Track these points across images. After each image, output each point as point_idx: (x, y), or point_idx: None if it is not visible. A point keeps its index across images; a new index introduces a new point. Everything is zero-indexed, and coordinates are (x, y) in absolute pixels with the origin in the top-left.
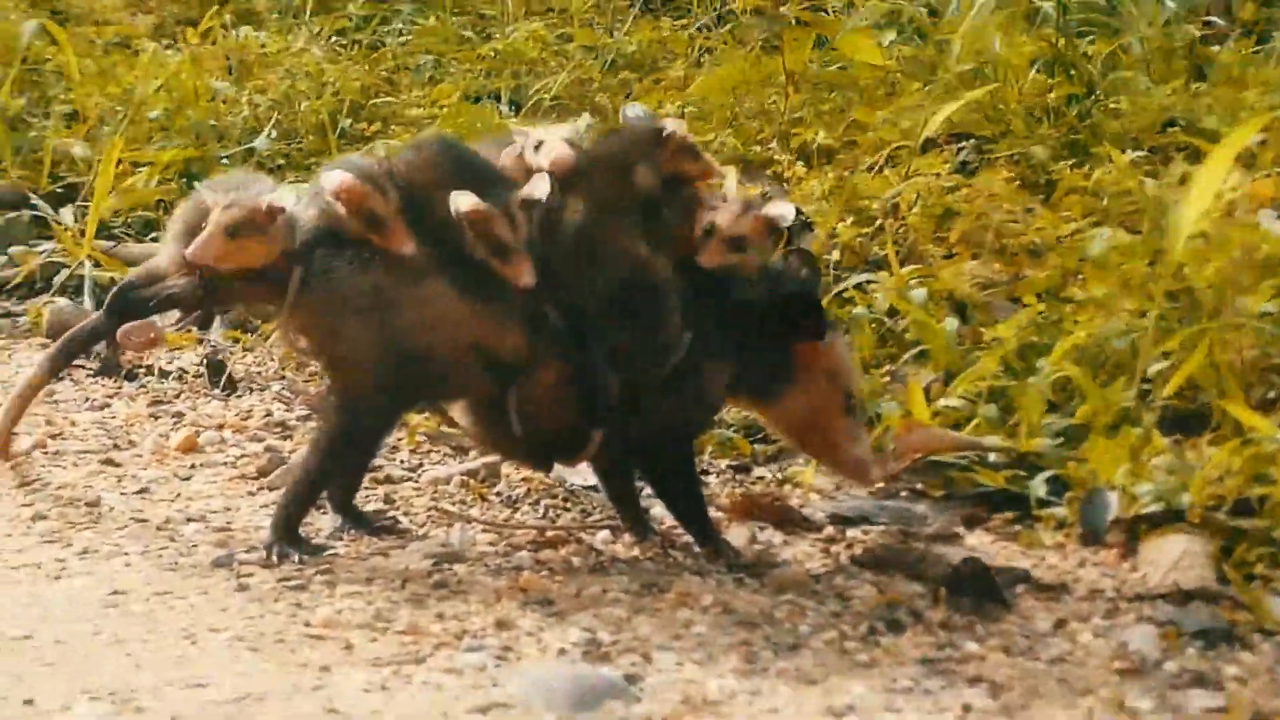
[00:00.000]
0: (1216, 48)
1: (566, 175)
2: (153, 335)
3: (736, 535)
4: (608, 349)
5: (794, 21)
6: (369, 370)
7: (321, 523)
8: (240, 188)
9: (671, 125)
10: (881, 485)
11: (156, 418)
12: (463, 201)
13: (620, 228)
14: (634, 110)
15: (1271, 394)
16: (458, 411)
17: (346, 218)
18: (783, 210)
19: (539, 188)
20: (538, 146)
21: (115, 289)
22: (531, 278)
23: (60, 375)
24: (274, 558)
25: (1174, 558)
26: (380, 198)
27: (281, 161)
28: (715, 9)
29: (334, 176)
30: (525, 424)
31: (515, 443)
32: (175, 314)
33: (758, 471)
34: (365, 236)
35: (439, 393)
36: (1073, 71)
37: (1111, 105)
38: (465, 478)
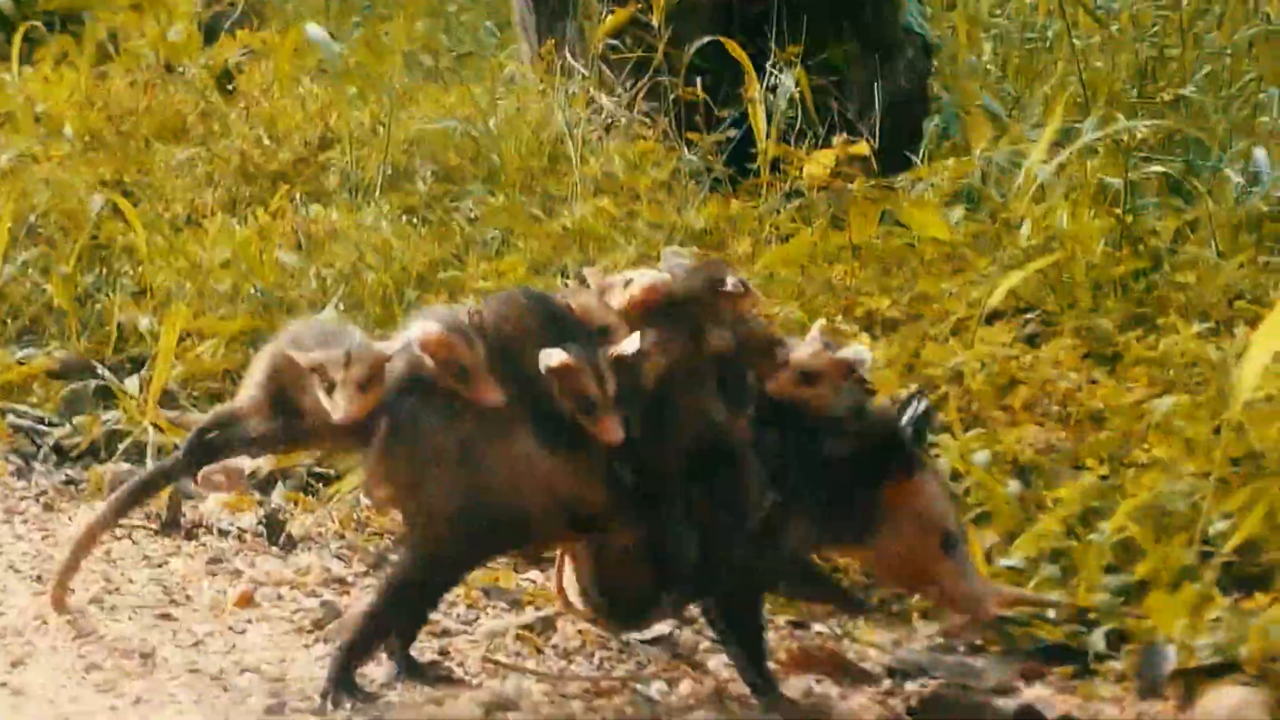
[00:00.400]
0: None
1: (653, 309)
2: (230, 476)
3: (793, 688)
4: (684, 509)
5: (861, 197)
6: (450, 521)
7: (376, 673)
8: (330, 336)
9: (729, 277)
10: (940, 640)
11: (214, 574)
12: (553, 357)
13: (694, 388)
14: (674, 257)
15: None
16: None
17: (434, 369)
18: (860, 353)
19: (630, 344)
20: (626, 284)
21: (193, 431)
22: (620, 434)
23: (121, 524)
24: (329, 704)
25: (1231, 708)
26: (467, 349)
27: None
28: (784, 188)
29: (422, 327)
30: (599, 581)
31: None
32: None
33: (816, 627)
34: (453, 387)
35: (517, 545)
36: (1140, 246)
37: (1178, 279)
38: (521, 630)
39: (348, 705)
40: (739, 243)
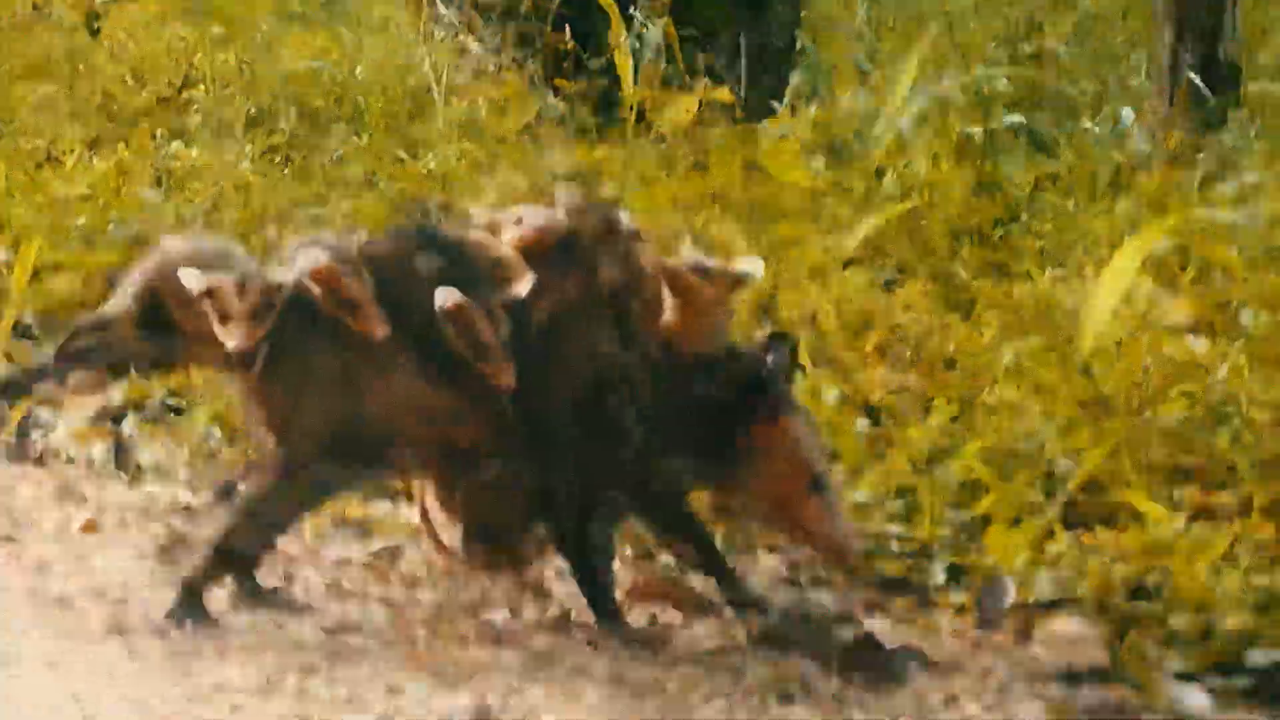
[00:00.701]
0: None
1: (540, 253)
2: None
3: (635, 618)
4: (566, 443)
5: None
6: (321, 444)
7: (220, 597)
8: (215, 256)
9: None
10: (784, 572)
11: (61, 501)
12: (448, 298)
13: (587, 326)
14: (567, 193)
15: (1177, 495)
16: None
17: (320, 297)
18: (753, 266)
19: (524, 286)
20: (517, 222)
21: (70, 332)
22: (512, 379)
23: None
24: (172, 627)
25: (1068, 641)
26: (355, 281)
27: None
28: (650, 136)
29: (310, 256)
30: (468, 515)
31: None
32: None
33: (662, 558)
34: (338, 317)
35: (384, 473)
36: (998, 196)
37: (1035, 228)
38: (367, 558)
39: (190, 628)
40: (603, 188)
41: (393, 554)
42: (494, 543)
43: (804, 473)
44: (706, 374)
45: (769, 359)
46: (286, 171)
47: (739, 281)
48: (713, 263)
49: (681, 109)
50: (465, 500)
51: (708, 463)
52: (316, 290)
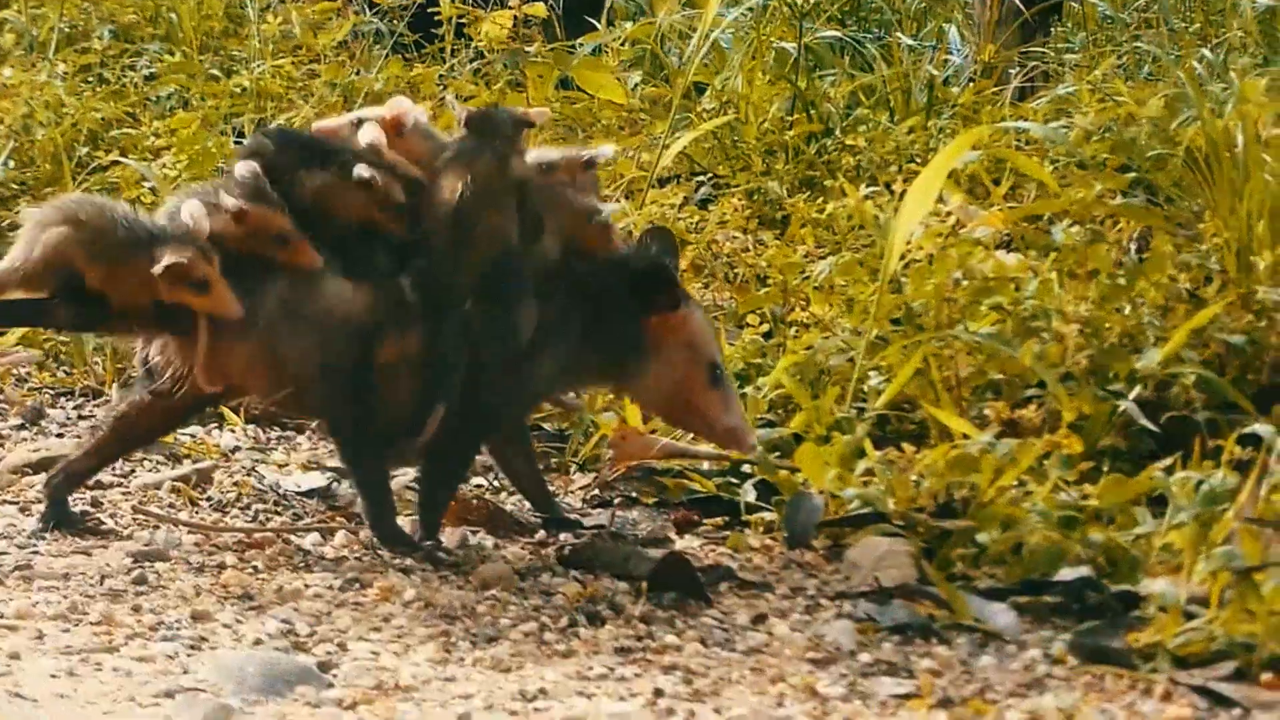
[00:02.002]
0: (956, 89)
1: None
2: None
3: (450, 537)
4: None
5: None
6: (325, 378)
7: (26, 523)
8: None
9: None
10: (595, 492)
11: None
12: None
13: (496, 212)
14: (455, 105)
15: (986, 411)
16: None
17: (244, 240)
18: (601, 150)
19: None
20: (357, 124)
21: None
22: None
23: None
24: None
25: (877, 558)
26: (279, 215)
27: (16, 189)
28: (467, 50)
29: (226, 202)
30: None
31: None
32: None
33: (475, 480)
34: (267, 255)
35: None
36: (812, 110)
37: (849, 143)
38: (176, 483)
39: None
40: (420, 105)
41: (201, 477)
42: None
43: (703, 363)
44: (600, 272)
45: (654, 249)
46: (99, 89)
47: (589, 163)
48: (558, 153)
49: (496, 23)
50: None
51: (605, 358)
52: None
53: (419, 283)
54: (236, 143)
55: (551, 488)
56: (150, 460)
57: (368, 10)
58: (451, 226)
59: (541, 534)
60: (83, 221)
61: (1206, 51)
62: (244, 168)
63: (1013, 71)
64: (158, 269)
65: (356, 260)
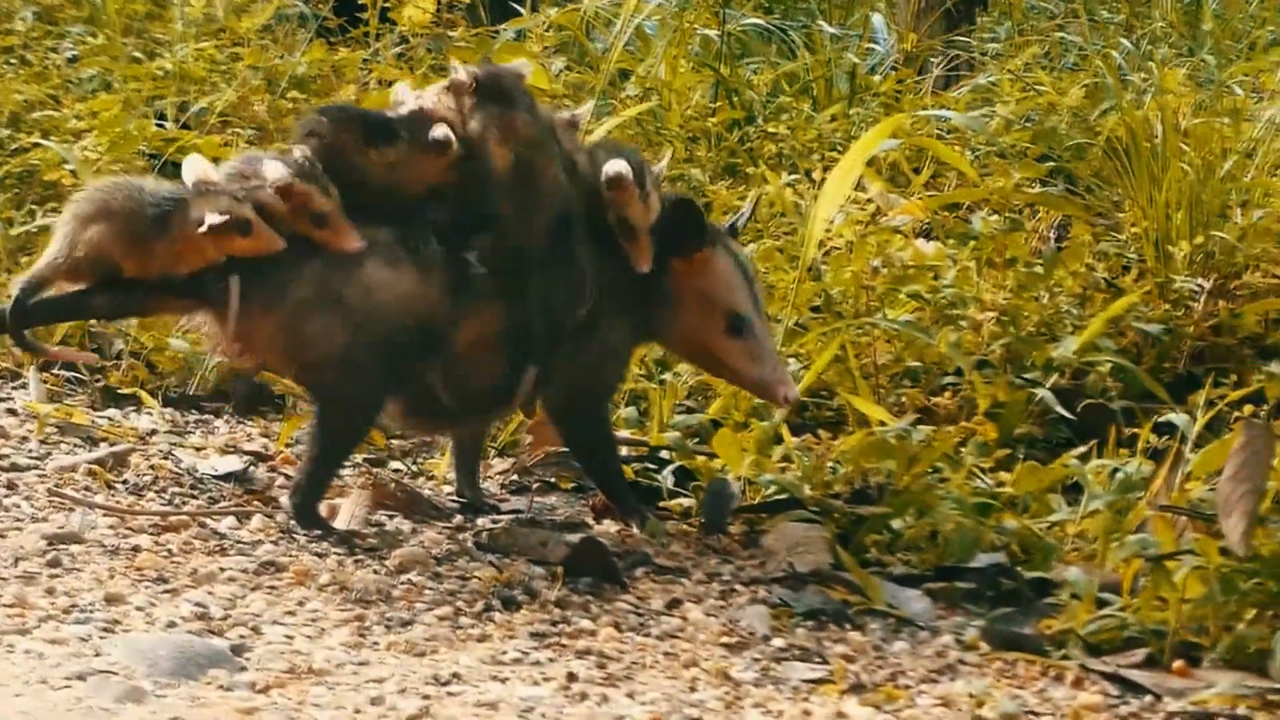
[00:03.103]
0: (878, 76)
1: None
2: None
3: (358, 519)
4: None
5: (461, 44)
6: (347, 362)
7: None
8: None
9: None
10: (514, 477)
11: None
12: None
13: (551, 165)
14: (459, 68)
15: (903, 398)
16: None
17: (287, 215)
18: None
19: (439, 130)
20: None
21: (15, 297)
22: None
23: None
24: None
25: (792, 544)
26: (323, 195)
27: None
28: (391, 34)
29: (274, 170)
30: (454, 390)
31: (446, 415)
32: None
33: (393, 464)
34: (307, 233)
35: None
36: (735, 98)
37: (771, 130)
38: (92, 465)
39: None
40: (344, 89)
41: (118, 460)
42: (488, 405)
43: (721, 311)
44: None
45: (684, 197)
46: (21, 71)
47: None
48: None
49: (418, 7)
50: (449, 381)
51: (640, 310)
52: (282, 209)
53: (487, 257)
54: (159, 125)
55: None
56: (67, 443)
57: None
58: (514, 187)
59: (459, 518)
60: (116, 212)
61: (1127, 41)
62: (299, 150)
63: (934, 61)
64: (203, 223)
65: (418, 244)
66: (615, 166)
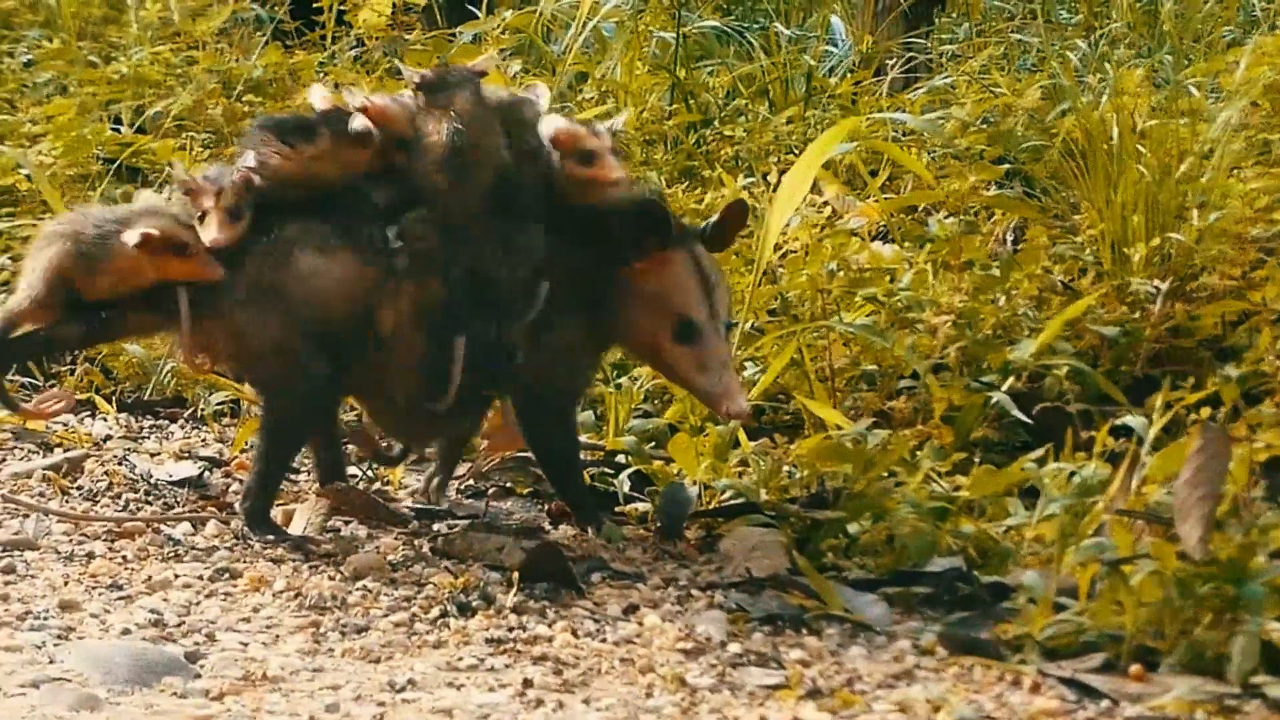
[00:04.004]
0: (835, 79)
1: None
2: (64, 404)
3: (314, 525)
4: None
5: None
6: (285, 353)
7: None
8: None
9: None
10: (470, 482)
11: None
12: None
13: (488, 137)
14: (408, 70)
15: (859, 401)
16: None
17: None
18: (614, 122)
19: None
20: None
21: None
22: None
23: None
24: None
25: (749, 548)
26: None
27: None
28: (347, 37)
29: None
30: (388, 373)
31: (392, 408)
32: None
33: (349, 470)
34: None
35: (348, 361)
36: (691, 100)
37: (728, 133)
38: (47, 472)
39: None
40: (300, 93)
41: (73, 466)
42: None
43: (670, 315)
44: (589, 217)
45: (655, 195)
46: None
47: (533, 110)
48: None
49: (374, 9)
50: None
51: (594, 309)
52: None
53: (415, 231)
54: (114, 129)
55: (425, 477)
56: (22, 449)
57: None
58: (447, 161)
59: (415, 524)
60: (67, 234)
61: (1081, 42)
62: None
63: (891, 62)
64: (131, 239)
65: (351, 228)
66: (551, 123)
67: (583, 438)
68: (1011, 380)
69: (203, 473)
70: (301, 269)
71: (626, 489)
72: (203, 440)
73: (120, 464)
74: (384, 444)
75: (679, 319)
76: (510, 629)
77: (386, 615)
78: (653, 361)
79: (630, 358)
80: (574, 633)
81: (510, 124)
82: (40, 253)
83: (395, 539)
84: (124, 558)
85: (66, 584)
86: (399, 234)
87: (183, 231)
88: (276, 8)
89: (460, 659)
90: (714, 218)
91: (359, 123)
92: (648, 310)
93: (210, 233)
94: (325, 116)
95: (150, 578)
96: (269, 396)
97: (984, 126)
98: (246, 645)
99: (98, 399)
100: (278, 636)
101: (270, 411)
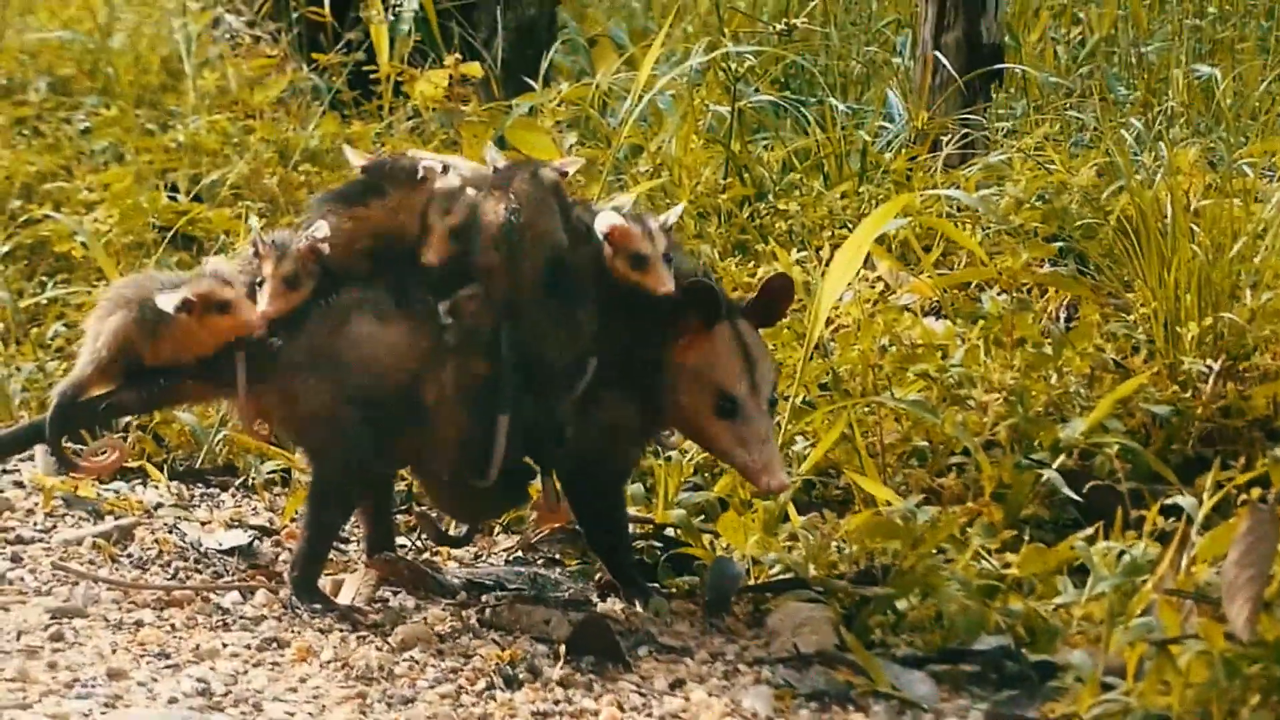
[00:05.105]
0: (889, 154)
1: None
2: (117, 455)
3: (362, 595)
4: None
5: (474, 119)
6: (334, 418)
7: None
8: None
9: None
10: (519, 554)
11: None
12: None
13: (543, 217)
14: (492, 152)
15: (909, 477)
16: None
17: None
18: (670, 215)
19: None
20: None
21: (55, 404)
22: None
23: None
24: (303, 613)
25: (796, 624)
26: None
27: None
28: (404, 108)
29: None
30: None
31: (438, 481)
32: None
33: (399, 540)
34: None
35: (395, 430)
36: (746, 174)
37: (781, 207)
38: (97, 539)
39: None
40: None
41: (123, 533)
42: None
43: (711, 390)
44: (637, 295)
45: (702, 272)
46: (34, 142)
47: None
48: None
49: (431, 81)
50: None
51: (639, 383)
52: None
53: (463, 310)
54: (170, 197)
55: (476, 548)
56: (73, 515)
57: (305, 67)
58: (501, 240)
59: (464, 595)
60: (129, 299)
61: (1136, 121)
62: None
63: (944, 138)
64: (169, 304)
65: (397, 298)
66: (606, 219)
67: (631, 510)
68: (1062, 458)
69: (252, 541)
70: (356, 335)
71: (668, 570)
72: (253, 509)
73: (170, 532)
74: (447, 527)
75: (720, 394)
76: (556, 702)
77: (433, 687)
78: (695, 436)
79: (678, 433)
80: (620, 707)
81: (565, 204)
82: (104, 318)
83: (443, 610)
84: (172, 626)
85: (114, 652)
86: (450, 309)
87: (223, 289)
88: (334, 78)
89: None
90: (755, 293)
91: (426, 161)
92: (690, 385)
93: (263, 302)
94: (378, 169)
95: (198, 646)
96: (316, 462)
97: (1038, 204)
98: (293, 715)
99: (149, 467)
100: (324, 707)
101: (317, 478)
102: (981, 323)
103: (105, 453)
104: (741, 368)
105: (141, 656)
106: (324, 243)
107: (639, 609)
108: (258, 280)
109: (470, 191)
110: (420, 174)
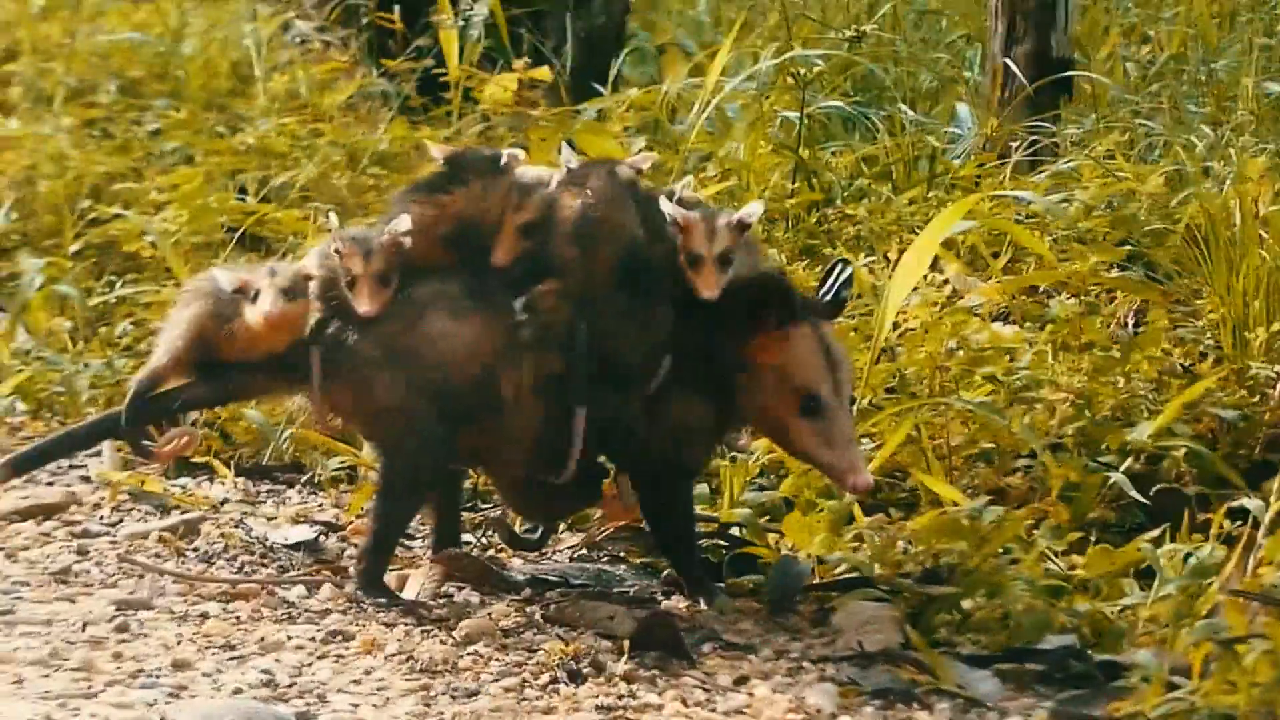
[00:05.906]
0: (958, 160)
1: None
2: (188, 439)
3: (427, 590)
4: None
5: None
6: (407, 413)
7: (12, 570)
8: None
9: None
10: (584, 550)
11: None
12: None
13: (619, 212)
14: (566, 152)
15: (976, 479)
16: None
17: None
18: (751, 210)
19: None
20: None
21: (131, 394)
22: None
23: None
24: (368, 607)
25: (861, 622)
26: (357, 260)
27: (17, 240)
28: (473, 113)
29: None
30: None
31: (511, 478)
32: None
33: (464, 536)
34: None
35: (469, 421)
36: (814, 180)
37: (849, 212)
38: (164, 533)
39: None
40: (425, 167)
41: (189, 527)
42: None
43: (794, 390)
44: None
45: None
46: (104, 144)
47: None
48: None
49: (500, 85)
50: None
51: (715, 381)
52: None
53: (539, 305)
54: (239, 199)
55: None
56: (139, 510)
57: (375, 71)
58: (577, 234)
59: (528, 591)
60: (206, 293)
61: (1207, 128)
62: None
63: (1015, 145)
64: (230, 283)
65: (473, 293)
66: (672, 210)
67: (697, 509)
68: (1129, 461)
69: (318, 537)
70: (432, 330)
71: (729, 570)
72: (319, 505)
73: (236, 527)
74: (522, 529)
75: (805, 394)
76: (620, 697)
77: (497, 680)
78: (777, 437)
79: (753, 430)
80: (684, 702)
81: (642, 201)
82: (182, 310)
83: (507, 605)
84: (238, 618)
85: (180, 643)
86: (526, 305)
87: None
88: (403, 83)
89: None
90: (823, 288)
91: (510, 152)
92: (772, 386)
93: (362, 304)
94: (459, 159)
95: (263, 638)
96: (386, 456)
97: (1107, 210)
98: (357, 706)
99: (216, 463)
100: (388, 699)
101: (387, 472)
102: (1049, 327)
103: (177, 440)
104: (824, 367)
105: (206, 648)
106: (406, 236)
107: (703, 607)
108: (346, 280)
109: (548, 185)
110: (503, 160)
